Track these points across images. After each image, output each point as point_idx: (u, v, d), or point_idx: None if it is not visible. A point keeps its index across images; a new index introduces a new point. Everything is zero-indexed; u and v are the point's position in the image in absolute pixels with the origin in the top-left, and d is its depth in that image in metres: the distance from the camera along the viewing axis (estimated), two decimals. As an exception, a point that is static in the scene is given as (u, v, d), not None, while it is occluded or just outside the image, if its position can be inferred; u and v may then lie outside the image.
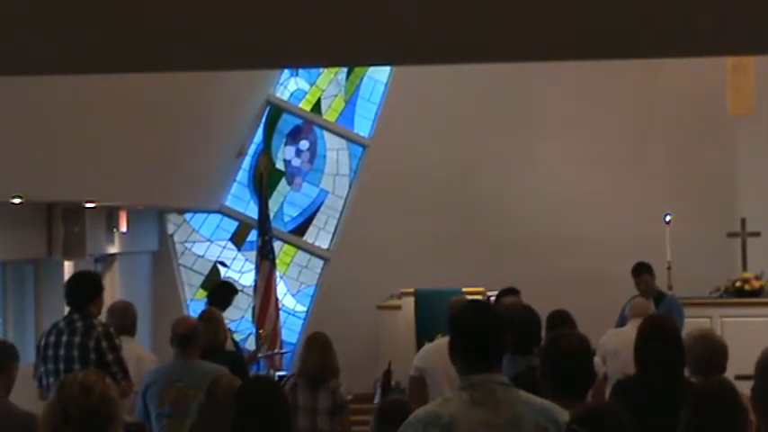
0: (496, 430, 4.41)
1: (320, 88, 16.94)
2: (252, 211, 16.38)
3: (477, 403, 4.44)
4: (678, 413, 5.21)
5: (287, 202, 16.79)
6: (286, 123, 16.86)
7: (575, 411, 4.75)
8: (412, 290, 14.22)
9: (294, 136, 16.89)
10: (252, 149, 16.70)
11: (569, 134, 16.38)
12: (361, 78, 16.90)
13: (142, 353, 9.15)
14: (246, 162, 16.66)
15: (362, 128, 16.89)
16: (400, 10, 5.20)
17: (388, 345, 13.75)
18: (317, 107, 16.92)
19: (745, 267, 14.85)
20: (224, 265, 16.42)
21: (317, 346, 8.84)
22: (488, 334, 4.55)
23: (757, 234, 15.00)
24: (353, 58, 7.13)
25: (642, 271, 12.40)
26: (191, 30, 5.33)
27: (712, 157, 16.01)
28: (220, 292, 11.55)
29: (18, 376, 6.74)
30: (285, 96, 16.88)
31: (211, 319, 9.22)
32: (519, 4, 5.21)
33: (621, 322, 11.09)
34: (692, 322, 11.88)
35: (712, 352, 6.70)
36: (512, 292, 10.61)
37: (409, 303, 14.12)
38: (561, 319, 8.06)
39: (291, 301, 16.66)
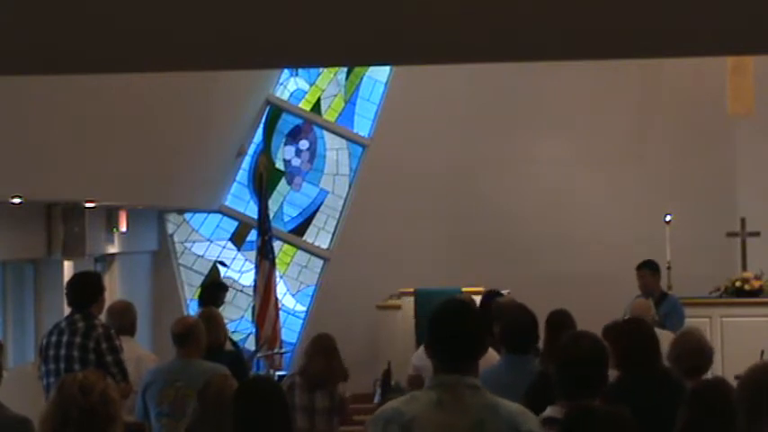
0: None
1: (320, 88, 16.93)
2: (252, 210, 16.38)
3: (443, 404, 4.41)
4: (663, 406, 5.24)
5: (287, 202, 16.79)
6: (286, 123, 16.86)
7: (569, 410, 4.76)
8: (412, 290, 14.21)
9: (294, 136, 16.89)
10: (252, 149, 16.69)
11: (569, 134, 16.37)
12: (361, 78, 16.90)
13: (142, 353, 9.15)
14: (246, 162, 16.66)
15: (362, 128, 16.88)
16: (400, 10, 5.20)
17: (388, 345, 13.75)
18: (316, 107, 16.92)
19: (744, 267, 14.84)
20: (224, 264, 16.41)
21: (322, 348, 8.73)
22: (463, 335, 4.49)
23: (757, 234, 14.99)
24: (353, 58, 7.13)
25: (646, 267, 12.33)
26: (191, 30, 5.33)
27: (712, 157, 16.01)
28: (209, 291, 11.58)
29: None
30: (285, 96, 16.88)
31: (210, 319, 9.20)
32: (519, 5, 5.21)
33: None
34: (692, 322, 11.87)
35: (694, 353, 6.69)
36: (497, 294, 10.59)
37: (409, 303, 14.12)
38: (561, 320, 8.06)
39: (291, 300, 16.66)
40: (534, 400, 5.37)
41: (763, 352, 12.08)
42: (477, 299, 12.74)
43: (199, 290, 16.03)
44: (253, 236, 16.19)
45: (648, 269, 12.35)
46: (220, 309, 11.01)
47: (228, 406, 5.71)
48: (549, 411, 5.01)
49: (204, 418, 6.00)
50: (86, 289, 8.42)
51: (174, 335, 8.21)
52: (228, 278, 15.96)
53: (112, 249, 14.06)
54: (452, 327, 4.50)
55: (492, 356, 7.88)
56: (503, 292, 11.04)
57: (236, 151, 16.31)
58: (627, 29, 5.36)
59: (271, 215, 15.73)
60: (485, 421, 4.39)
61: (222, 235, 16.71)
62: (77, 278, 8.68)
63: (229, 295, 15.68)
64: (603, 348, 5.22)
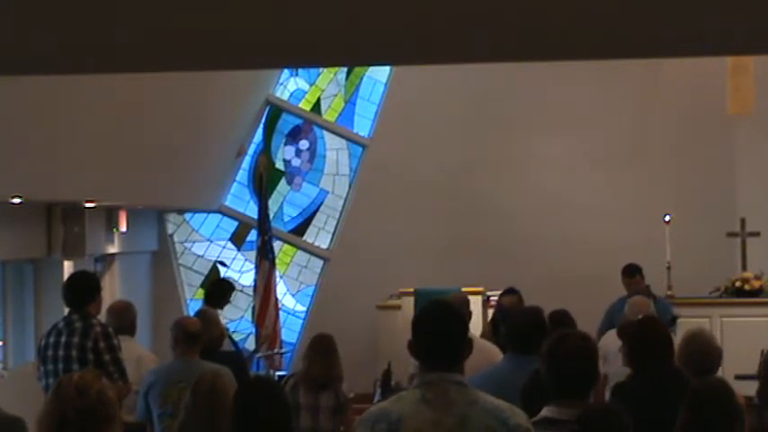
0: (444, 430, 4.40)
1: (320, 88, 16.94)
2: (252, 210, 16.38)
3: (428, 402, 4.44)
4: (675, 405, 5.23)
5: (287, 202, 16.79)
6: (286, 123, 16.86)
7: (578, 412, 4.75)
8: (412, 290, 14.21)
9: (294, 136, 16.89)
10: (252, 149, 16.70)
11: (569, 134, 16.37)
12: (361, 78, 16.90)
13: (142, 353, 9.13)
14: (246, 162, 16.67)
15: (362, 128, 16.89)
16: (400, 10, 5.20)
17: (388, 345, 13.73)
18: (316, 107, 16.92)
19: (744, 267, 14.84)
20: (224, 264, 16.42)
21: (321, 350, 8.71)
22: (446, 334, 4.55)
23: (757, 234, 15.00)
24: (353, 58, 7.13)
25: (639, 274, 12.31)
26: (190, 30, 5.33)
27: (712, 157, 16.00)
28: (217, 289, 11.51)
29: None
30: (285, 96, 16.88)
31: (206, 318, 9.18)
32: (519, 4, 5.21)
33: (608, 323, 11.04)
34: (692, 322, 11.84)
35: (702, 353, 6.69)
36: (511, 291, 10.68)
37: (409, 303, 14.11)
38: (560, 319, 8.06)
39: (291, 300, 16.66)
40: (530, 399, 5.37)
41: (763, 352, 12.07)
42: (477, 299, 12.78)
43: (202, 289, 16.07)
44: (253, 236, 16.19)
45: (641, 275, 12.30)
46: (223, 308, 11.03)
47: (220, 401, 5.71)
48: (545, 412, 5.01)
49: (197, 414, 5.99)
50: (83, 289, 8.39)
51: (188, 334, 8.16)
52: (228, 278, 15.95)
53: (112, 249, 14.06)
54: (433, 327, 4.57)
55: (496, 355, 7.88)
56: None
57: (236, 151, 16.32)
58: (627, 29, 5.36)
59: (271, 215, 15.73)
60: (470, 416, 4.41)
61: (222, 235, 16.72)
62: (74, 278, 8.65)
63: (229, 295, 15.70)
64: (591, 347, 5.22)
